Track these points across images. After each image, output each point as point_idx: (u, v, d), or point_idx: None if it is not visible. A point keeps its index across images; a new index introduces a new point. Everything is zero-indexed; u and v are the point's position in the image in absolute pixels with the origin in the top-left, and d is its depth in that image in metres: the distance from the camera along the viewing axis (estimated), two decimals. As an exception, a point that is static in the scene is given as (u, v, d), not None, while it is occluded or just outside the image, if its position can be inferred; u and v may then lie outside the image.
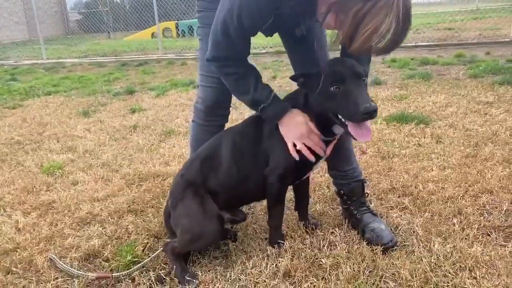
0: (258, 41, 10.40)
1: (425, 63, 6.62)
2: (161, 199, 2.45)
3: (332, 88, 1.58)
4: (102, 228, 2.18)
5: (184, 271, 1.73)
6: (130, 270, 1.78)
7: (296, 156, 1.73)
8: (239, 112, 4.34)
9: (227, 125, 2.12)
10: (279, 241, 1.88)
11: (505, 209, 2.05)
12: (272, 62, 8.04)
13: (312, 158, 1.75)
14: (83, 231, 2.17)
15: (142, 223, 2.18)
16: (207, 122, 2.09)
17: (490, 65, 5.62)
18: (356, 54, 1.48)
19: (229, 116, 2.13)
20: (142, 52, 12.08)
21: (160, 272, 1.79)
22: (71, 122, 4.53)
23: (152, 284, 1.71)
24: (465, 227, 1.94)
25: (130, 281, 1.75)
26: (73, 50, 13.39)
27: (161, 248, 1.86)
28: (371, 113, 1.49)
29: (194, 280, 1.69)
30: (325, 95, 1.61)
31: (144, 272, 1.79)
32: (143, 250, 1.96)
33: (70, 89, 6.68)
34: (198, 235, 1.75)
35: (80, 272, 1.78)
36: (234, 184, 1.82)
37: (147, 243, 2.01)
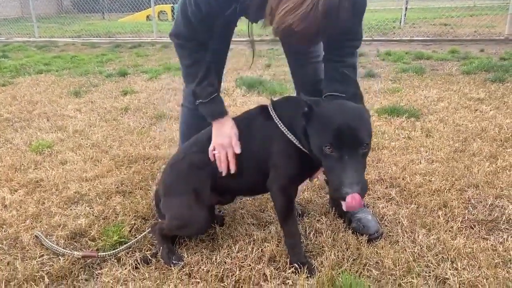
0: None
1: (419, 58, 6.63)
2: (150, 182, 2.45)
3: (325, 148, 1.40)
4: (90, 208, 2.17)
5: (170, 252, 1.74)
6: (116, 250, 1.78)
7: (211, 158, 1.75)
8: (232, 99, 4.34)
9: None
10: (301, 262, 1.65)
11: (489, 203, 2.08)
12: (267, 50, 7.99)
13: (221, 169, 1.73)
14: (70, 210, 2.17)
15: (130, 204, 2.18)
16: (196, 107, 2.07)
17: (483, 62, 5.65)
18: (275, 35, 1.48)
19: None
20: (136, 34, 11.95)
21: (146, 253, 1.80)
22: (61, 102, 4.49)
23: (138, 265, 1.72)
24: (450, 219, 1.97)
25: (115, 261, 1.75)
26: (66, 30, 13.18)
27: (149, 229, 1.87)
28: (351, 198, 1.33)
29: (180, 262, 1.70)
30: (317, 148, 1.46)
31: (130, 253, 1.80)
32: (130, 231, 1.96)
33: (62, 69, 6.60)
34: (187, 223, 1.76)
35: (66, 251, 1.78)
36: (229, 180, 1.76)
37: (134, 224, 2.01)
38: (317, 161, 1.53)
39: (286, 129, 1.64)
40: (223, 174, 1.73)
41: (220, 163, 1.73)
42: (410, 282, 1.57)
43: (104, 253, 1.77)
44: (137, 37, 11.53)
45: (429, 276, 1.60)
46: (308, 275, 1.61)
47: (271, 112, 1.70)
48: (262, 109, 1.77)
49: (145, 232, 1.87)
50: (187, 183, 1.77)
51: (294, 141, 1.61)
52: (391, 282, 1.58)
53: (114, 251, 1.78)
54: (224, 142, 1.72)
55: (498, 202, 2.10)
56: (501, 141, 2.90)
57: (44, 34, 12.41)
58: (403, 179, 2.39)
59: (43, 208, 2.18)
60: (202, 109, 1.79)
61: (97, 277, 1.67)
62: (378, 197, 2.23)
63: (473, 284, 1.54)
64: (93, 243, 1.88)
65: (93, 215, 2.10)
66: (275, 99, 1.76)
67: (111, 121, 3.73)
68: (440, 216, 1.99)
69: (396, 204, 2.14)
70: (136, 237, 1.87)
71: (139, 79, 5.69)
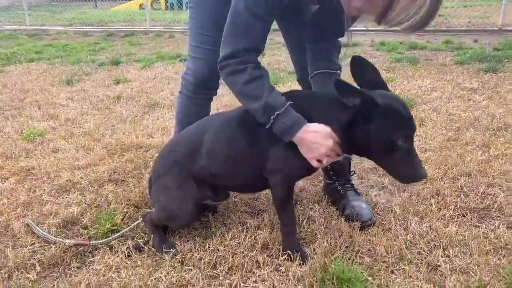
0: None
1: (413, 48, 6.62)
2: (142, 170, 2.44)
3: (400, 142, 1.43)
4: (82, 196, 2.16)
5: (162, 241, 1.74)
6: (109, 238, 1.77)
7: (319, 166, 1.58)
8: (226, 89, 4.31)
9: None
10: (294, 249, 1.65)
11: (481, 191, 2.09)
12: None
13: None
14: (62, 198, 2.15)
15: (122, 192, 2.17)
16: (196, 95, 2.05)
17: (476, 52, 5.66)
18: (387, 26, 1.42)
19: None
20: (129, 23, 11.82)
21: (138, 241, 1.79)
22: (53, 90, 4.44)
23: (131, 252, 1.71)
24: (442, 207, 1.98)
25: (108, 248, 1.75)
26: (58, 18, 13.02)
27: (141, 218, 1.86)
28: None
29: (171, 250, 1.69)
30: (384, 143, 1.44)
31: (123, 241, 1.79)
32: (122, 219, 1.95)
33: (54, 57, 6.52)
34: (173, 216, 1.74)
35: (57, 239, 1.77)
36: (222, 174, 1.72)
37: (127, 212, 2.00)
38: None
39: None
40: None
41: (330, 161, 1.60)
42: (402, 269, 1.57)
43: (96, 242, 1.76)
44: (130, 25, 11.40)
45: (421, 263, 1.61)
46: (301, 262, 1.61)
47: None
48: None
49: (137, 221, 1.85)
50: (173, 178, 1.74)
51: None
52: (384, 269, 1.59)
53: (106, 239, 1.77)
54: (326, 148, 1.51)
55: (490, 190, 2.11)
56: (494, 130, 2.91)
57: (35, 22, 12.24)
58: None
59: (34, 196, 2.16)
60: (280, 122, 1.52)
61: (89, 265, 1.66)
62: (371, 186, 2.24)
63: (464, 271, 1.55)
64: (85, 231, 1.87)
65: (85, 203, 2.09)
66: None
67: (103, 110, 3.70)
68: (433, 204, 2.00)
69: (389, 192, 2.15)
70: (128, 225, 1.86)
71: (132, 68, 5.64)
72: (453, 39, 7.27)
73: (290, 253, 1.64)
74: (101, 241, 1.76)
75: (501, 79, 4.35)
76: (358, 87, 1.53)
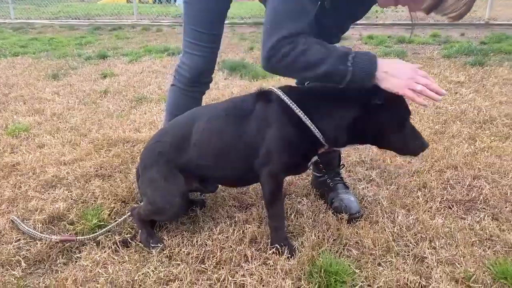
0: (236, 11, 10.22)
1: (401, 41, 6.65)
2: (130, 165, 2.41)
3: (407, 121, 1.57)
4: (68, 192, 2.13)
5: (149, 235, 1.72)
6: (95, 234, 1.76)
7: (422, 101, 1.41)
8: (214, 82, 4.28)
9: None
10: (282, 243, 1.65)
11: (467, 184, 2.12)
12: (249, 33, 7.92)
13: (436, 94, 1.41)
14: (48, 194, 2.13)
15: (109, 187, 2.15)
16: (190, 88, 2.04)
17: (463, 46, 5.70)
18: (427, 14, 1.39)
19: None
20: (116, 16, 11.69)
21: (126, 236, 1.78)
22: (39, 85, 4.37)
23: (118, 248, 1.70)
24: (429, 200, 2.00)
25: (95, 244, 1.73)
26: (43, 11, 12.81)
27: (129, 213, 1.84)
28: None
29: (159, 245, 1.68)
30: (397, 125, 1.56)
31: (110, 236, 1.77)
32: (109, 214, 1.93)
33: (39, 51, 6.42)
34: (160, 209, 1.72)
35: (43, 235, 1.74)
36: (210, 166, 1.71)
37: (114, 207, 1.99)
38: (313, 152, 1.64)
39: (307, 118, 1.55)
40: (440, 93, 1.43)
41: (429, 91, 1.40)
42: (389, 261, 1.59)
43: (83, 237, 1.74)
44: (117, 19, 11.27)
45: (407, 255, 1.62)
46: (289, 255, 1.61)
47: (283, 97, 1.58)
48: (260, 94, 1.68)
49: (125, 216, 1.84)
50: (159, 170, 1.72)
51: (315, 131, 1.55)
52: (371, 261, 1.60)
53: (93, 235, 1.75)
54: (410, 70, 1.41)
55: (476, 183, 2.14)
56: (480, 123, 2.94)
57: (20, 15, 12.04)
58: (383, 161, 2.41)
59: (19, 192, 2.13)
60: (359, 64, 1.41)
61: (76, 261, 1.64)
62: (359, 179, 2.25)
63: (450, 262, 1.57)
64: (71, 227, 1.85)
65: (71, 199, 2.07)
66: (277, 86, 1.66)
67: (90, 104, 3.66)
68: (420, 197, 2.01)
69: (376, 185, 2.16)
70: (116, 220, 1.84)
71: (119, 62, 5.58)
72: (440, 33, 7.33)
73: (278, 246, 1.64)
74: (87, 236, 1.75)
75: (487, 72, 4.40)
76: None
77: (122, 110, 3.47)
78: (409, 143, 1.58)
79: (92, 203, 2.02)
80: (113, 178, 2.27)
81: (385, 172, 2.28)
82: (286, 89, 1.63)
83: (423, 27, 8.26)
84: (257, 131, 1.61)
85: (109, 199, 2.05)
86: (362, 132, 1.58)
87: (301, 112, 1.56)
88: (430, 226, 1.77)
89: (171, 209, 1.72)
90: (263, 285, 1.48)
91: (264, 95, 1.66)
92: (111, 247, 1.70)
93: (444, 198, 2.00)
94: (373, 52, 1.47)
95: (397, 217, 1.86)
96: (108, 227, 1.79)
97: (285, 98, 1.58)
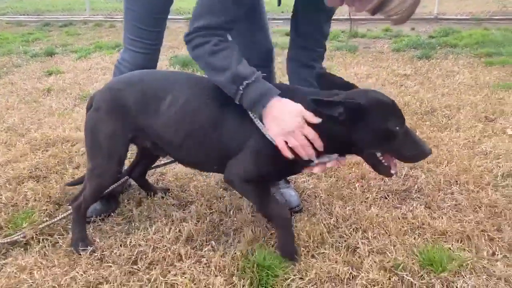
0: (192, 5, 10.03)
1: (354, 36, 6.75)
2: (67, 165, 2.32)
3: (397, 128, 1.41)
4: (-3, 196, 2.03)
5: (80, 238, 1.66)
6: (12, 237, 1.68)
7: (289, 155, 1.43)
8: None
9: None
10: (294, 252, 1.57)
11: (404, 173, 2.17)
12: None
13: (306, 156, 1.44)
14: (-25, 198, 2.01)
15: (42, 189, 2.06)
16: None
17: (412, 40, 5.85)
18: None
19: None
20: (67, 12, 11.28)
21: (58, 237, 1.71)
22: (-23, 84, 4.16)
23: (46, 252, 1.63)
24: (366, 190, 2.03)
25: (22, 249, 1.65)
26: (-11, 7, 12.22)
27: (69, 204, 1.77)
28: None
29: (88, 248, 1.62)
30: (382, 134, 1.42)
31: (41, 240, 1.69)
32: (41, 218, 1.85)
33: (-19, 48, 6.11)
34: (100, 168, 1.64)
35: None
36: (172, 144, 1.59)
37: (46, 209, 1.91)
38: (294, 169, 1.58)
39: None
40: (310, 158, 1.45)
41: (302, 151, 1.42)
42: (322, 253, 1.60)
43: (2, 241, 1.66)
44: (68, 15, 10.87)
45: (341, 246, 1.64)
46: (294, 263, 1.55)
47: (252, 116, 1.48)
48: None
49: (56, 218, 1.76)
50: (107, 124, 1.60)
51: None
52: (305, 254, 1.60)
53: (7, 238, 1.67)
54: (294, 124, 1.39)
55: (413, 172, 2.19)
56: (421, 114, 3.02)
57: (-36, 11, 11.42)
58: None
59: None
60: (250, 92, 1.42)
61: (1, 267, 1.56)
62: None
63: (381, 252, 1.60)
64: (-2, 232, 1.76)
65: (1, 203, 1.96)
66: None
67: (31, 103, 3.50)
68: (357, 188, 2.04)
69: (316, 178, 2.17)
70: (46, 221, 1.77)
71: (67, 59, 5.39)
72: (392, 27, 7.49)
73: (289, 258, 1.55)
74: (5, 240, 1.66)
75: (433, 65, 4.53)
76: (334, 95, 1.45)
77: (65, 109, 3.35)
78: (404, 150, 1.45)
79: (23, 207, 1.93)
80: (48, 179, 2.18)
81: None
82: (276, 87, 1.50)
83: (375, 22, 8.43)
84: (237, 132, 1.52)
85: (41, 201, 1.97)
86: (351, 140, 1.45)
87: (259, 122, 1.46)
88: (365, 217, 1.80)
89: (112, 169, 1.65)
90: (194, 284, 1.46)
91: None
92: (39, 252, 1.63)
93: (381, 189, 2.04)
94: (276, 90, 1.43)
95: (334, 208, 1.87)
96: (19, 232, 1.70)
97: (254, 119, 1.48)
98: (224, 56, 1.45)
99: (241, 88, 1.42)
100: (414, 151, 1.45)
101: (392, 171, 1.51)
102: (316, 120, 1.41)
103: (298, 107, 1.41)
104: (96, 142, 1.62)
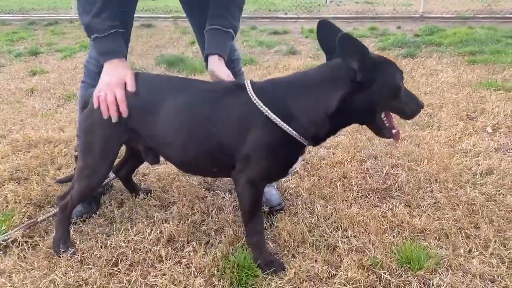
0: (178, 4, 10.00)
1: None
2: (48, 166, 2.31)
3: (401, 82, 1.44)
4: (-23, 198, 2.01)
5: (62, 239, 1.65)
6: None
7: (95, 103, 1.53)
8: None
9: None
10: (269, 260, 1.54)
11: (385, 172, 2.19)
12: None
13: (107, 114, 1.51)
14: (-46, 201, 1.99)
15: (23, 191, 2.04)
16: None
17: (398, 38, 5.89)
18: None
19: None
20: (53, 10, 11.15)
21: (38, 239, 1.70)
22: (-41, 84, 4.10)
23: (26, 255, 1.62)
24: (347, 189, 2.05)
25: (1, 252, 1.64)
26: (-27, 5, 12.01)
27: (55, 203, 1.75)
28: None
29: (70, 249, 1.62)
30: (393, 90, 1.43)
31: (21, 241, 1.68)
32: (21, 219, 1.84)
33: (-36, 48, 6.02)
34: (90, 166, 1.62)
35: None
36: (172, 147, 1.56)
37: (26, 212, 1.89)
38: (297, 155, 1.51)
39: (277, 117, 1.41)
40: (113, 120, 1.51)
41: (105, 107, 1.51)
42: (302, 252, 1.61)
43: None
44: (54, 13, 10.76)
45: (321, 245, 1.65)
46: (280, 271, 1.51)
47: (251, 95, 1.44)
48: (239, 86, 1.51)
49: (34, 219, 1.75)
50: (103, 126, 1.57)
51: (290, 131, 1.42)
52: (285, 253, 1.62)
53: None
54: (112, 80, 1.53)
55: (393, 171, 2.22)
56: (404, 113, 3.04)
57: None
58: (308, 152, 2.44)
59: None
60: (97, 45, 1.61)
61: (-21, 272, 1.55)
62: (284, 172, 2.27)
63: (360, 250, 1.61)
64: (-24, 235, 1.74)
65: (-20, 206, 1.95)
66: (254, 80, 1.53)
67: (13, 104, 3.47)
68: (339, 187, 2.06)
69: (299, 177, 2.19)
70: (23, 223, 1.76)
71: (52, 58, 5.34)
72: (378, 26, 7.53)
73: (264, 266, 1.52)
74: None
75: (417, 63, 4.57)
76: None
77: (48, 109, 3.32)
78: (407, 104, 1.48)
79: (3, 209, 1.92)
80: (29, 181, 2.16)
81: (308, 163, 2.31)
82: (258, 84, 1.50)
83: (362, 20, 8.48)
84: (236, 129, 1.46)
85: (22, 203, 1.95)
86: (348, 116, 1.45)
87: (266, 110, 1.41)
88: (346, 216, 1.82)
89: (102, 171, 1.63)
90: (174, 285, 1.46)
91: (240, 90, 1.49)
92: (19, 254, 1.62)
93: (362, 187, 2.06)
94: (120, 52, 1.59)
95: (316, 207, 1.89)
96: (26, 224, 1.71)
97: (251, 96, 1.44)
98: (90, 2, 1.57)
99: (91, 37, 1.60)
100: (414, 106, 1.51)
101: (394, 131, 1.53)
102: (132, 87, 1.54)
103: (126, 72, 1.56)
104: (89, 142, 1.61)
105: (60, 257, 1.60)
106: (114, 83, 1.53)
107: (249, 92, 1.45)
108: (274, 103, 1.43)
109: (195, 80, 1.68)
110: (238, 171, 1.49)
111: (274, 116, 1.40)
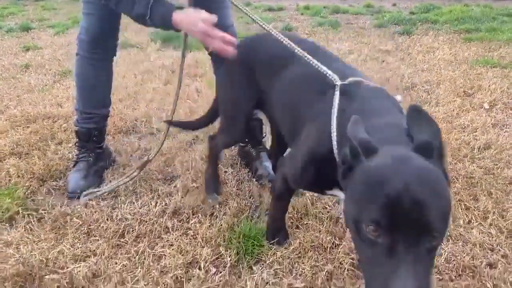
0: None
1: (336, 12, 6.75)
2: (49, 141, 2.30)
3: (367, 228, 0.81)
4: (-21, 172, 2.01)
5: (211, 179, 1.86)
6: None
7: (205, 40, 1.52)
8: (146, 54, 4.15)
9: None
10: (278, 237, 1.54)
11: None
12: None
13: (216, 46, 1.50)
14: (-44, 176, 1.99)
15: (25, 165, 2.04)
16: (92, 55, 1.90)
17: (394, 16, 5.88)
18: None
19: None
20: (43, -15, 10.89)
21: (43, 212, 1.72)
22: (-50, 60, 4.03)
23: (32, 226, 1.63)
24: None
25: (7, 224, 1.66)
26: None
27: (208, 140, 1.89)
28: None
29: (217, 196, 1.80)
30: (353, 223, 0.86)
31: (26, 214, 1.69)
32: (25, 193, 1.84)
33: (-48, 23, 5.89)
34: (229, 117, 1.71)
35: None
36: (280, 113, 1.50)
37: (30, 186, 1.90)
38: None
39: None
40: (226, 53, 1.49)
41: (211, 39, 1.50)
42: (306, 223, 1.64)
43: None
44: (44, -12, 10.52)
45: (325, 217, 1.68)
46: (284, 243, 1.54)
47: (335, 95, 1.20)
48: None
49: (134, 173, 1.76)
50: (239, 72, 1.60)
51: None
52: (289, 224, 1.64)
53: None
54: (201, 16, 1.49)
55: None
56: (402, 89, 3.07)
57: None
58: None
59: None
60: (156, 9, 1.54)
61: (-13, 244, 1.57)
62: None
63: (363, 221, 1.65)
64: (-19, 208, 1.74)
65: (-18, 180, 1.95)
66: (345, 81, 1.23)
67: (9, 79, 3.42)
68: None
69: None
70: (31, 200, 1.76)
71: (44, 34, 5.25)
72: (374, 3, 7.50)
73: (271, 236, 1.55)
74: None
75: (413, 41, 4.58)
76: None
77: (44, 85, 3.29)
78: (367, 277, 0.84)
79: (6, 183, 1.92)
80: (30, 155, 2.16)
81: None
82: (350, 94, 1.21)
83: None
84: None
85: (24, 177, 1.95)
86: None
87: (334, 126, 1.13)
88: (347, 189, 1.84)
89: (238, 128, 1.69)
90: (182, 255, 1.48)
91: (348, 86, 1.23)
92: (25, 227, 1.63)
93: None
94: (172, 5, 1.55)
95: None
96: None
97: (336, 98, 1.19)
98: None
99: (149, 6, 1.54)
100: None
101: None
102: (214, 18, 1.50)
103: (196, 16, 1.51)
104: (226, 98, 1.71)
105: (207, 197, 1.79)
106: (205, 17, 1.50)
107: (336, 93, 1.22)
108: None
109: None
110: (281, 161, 1.48)
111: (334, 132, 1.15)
